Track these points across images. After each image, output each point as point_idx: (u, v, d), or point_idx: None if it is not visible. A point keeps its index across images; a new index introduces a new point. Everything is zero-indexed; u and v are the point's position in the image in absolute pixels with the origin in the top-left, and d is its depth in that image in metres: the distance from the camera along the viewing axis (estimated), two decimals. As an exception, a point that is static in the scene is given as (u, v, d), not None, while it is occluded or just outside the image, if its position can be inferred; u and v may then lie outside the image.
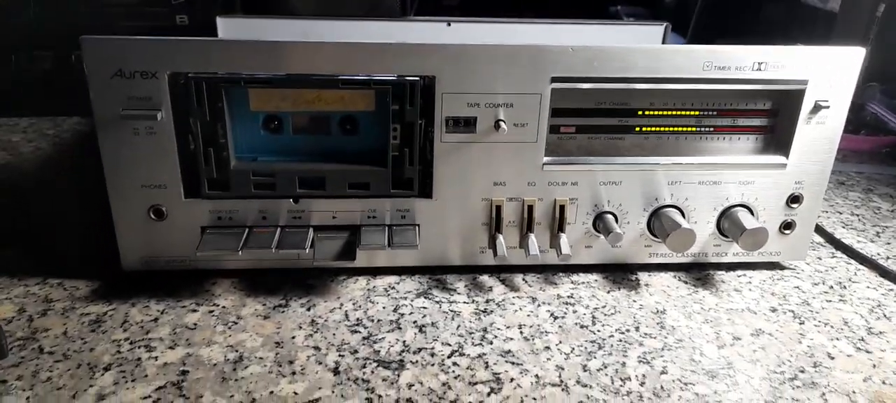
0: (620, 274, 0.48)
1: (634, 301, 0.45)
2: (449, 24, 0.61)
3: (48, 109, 0.75)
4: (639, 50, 0.41)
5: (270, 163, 0.43)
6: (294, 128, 0.43)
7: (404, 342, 0.39)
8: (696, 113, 0.45)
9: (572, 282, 0.47)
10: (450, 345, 0.39)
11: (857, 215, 0.63)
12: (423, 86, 0.41)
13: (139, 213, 0.42)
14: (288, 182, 0.42)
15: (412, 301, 0.44)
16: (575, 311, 0.43)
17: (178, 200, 0.42)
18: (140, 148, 0.41)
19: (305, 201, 0.43)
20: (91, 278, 0.44)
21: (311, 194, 0.43)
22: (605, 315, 0.43)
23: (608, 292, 0.46)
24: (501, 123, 0.42)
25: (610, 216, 0.45)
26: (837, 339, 0.42)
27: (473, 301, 0.44)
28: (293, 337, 0.39)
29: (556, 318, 0.42)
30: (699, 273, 0.49)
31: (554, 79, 0.41)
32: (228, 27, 0.58)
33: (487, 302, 0.44)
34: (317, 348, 0.38)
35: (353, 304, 0.43)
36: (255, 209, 0.43)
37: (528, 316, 0.42)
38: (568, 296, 0.45)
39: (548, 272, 0.48)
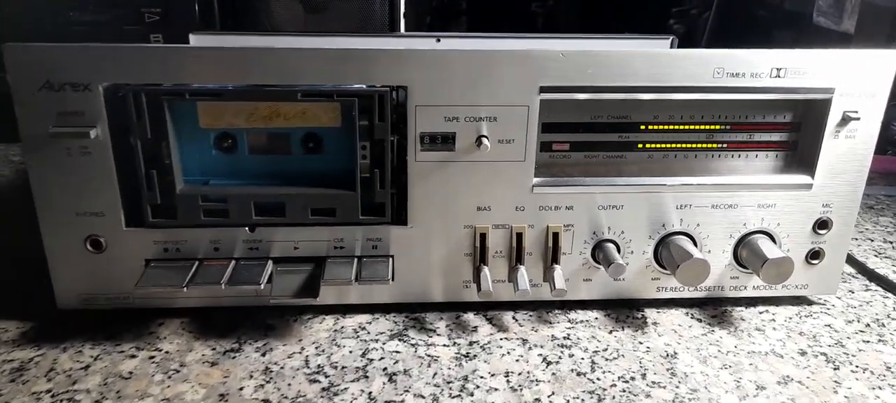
0: (624, 311, 0.42)
1: (640, 343, 0.39)
2: (438, 40, 0.56)
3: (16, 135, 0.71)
4: (640, 54, 0.36)
5: (223, 186, 0.38)
6: (250, 147, 0.38)
7: (370, 394, 0.34)
8: (708, 127, 0.40)
9: (569, 321, 0.41)
10: (423, 398, 0.33)
11: (891, 242, 0.57)
12: (394, 99, 0.36)
13: (75, 245, 0.37)
14: (243, 208, 0.37)
15: (384, 344, 0.38)
16: (571, 355, 0.37)
17: (119, 230, 0.37)
18: (73, 170, 0.36)
19: (263, 230, 0.38)
20: (24, 318, 0.40)
21: (270, 222, 0.38)
22: (607, 360, 0.37)
23: (610, 332, 0.40)
24: (484, 139, 0.37)
25: (611, 245, 0.40)
26: (880, 387, 0.36)
27: (455, 343, 0.38)
28: (241, 389, 0.34)
29: (549, 364, 0.37)
30: (715, 309, 0.43)
31: (543, 89, 0.36)
32: (203, 44, 0.54)
33: (471, 344, 0.38)
34: (266, 402, 0.33)
35: (316, 348, 0.38)
36: (207, 239, 0.38)
37: (517, 360, 0.37)
38: (564, 337, 0.39)
39: (542, 309, 0.42)
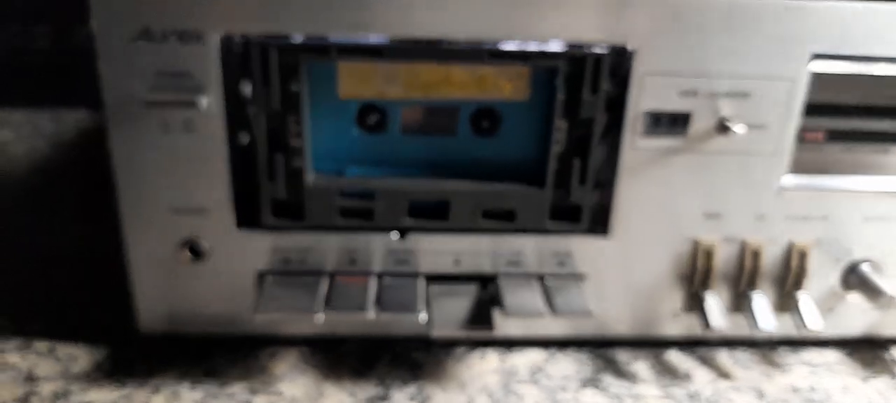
0: (866, 351, 0.32)
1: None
2: None
3: (46, 99, 0.61)
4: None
5: (366, 177, 0.28)
6: (404, 125, 0.28)
7: (589, 474, 0.25)
8: None
9: (806, 364, 0.31)
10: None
11: None
12: (613, 62, 0.27)
13: (166, 250, 0.28)
14: (393, 207, 0.28)
15: (576, 393, 0.29)
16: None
17: (227, 232, 0.28)
18: (172, 152, 0.26)
19: (415, 236, 0.29)
20: (96, 343, 0.30)
21: (426, 227, 0.28)
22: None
23: (863, 380, 0.30)
24: (728, 124, 0.27)
25: (869, 267, 0.31)
26: None
27: (669, 395, 0.29)
28: (408, 461, 0.25)
29: (808, 430, 0.27)
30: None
31: (817, 56, 0.27)
32: None
33: (691, 397, 0.29)
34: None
35: (489, 398, 0.29)
36: (341, 247, 0.29)
37: (763, 424, 0.28)
38: (809, 388, 0.29)
39: (761, 347, 0.32)
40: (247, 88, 0.26)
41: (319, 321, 0.27)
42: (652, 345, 0.32)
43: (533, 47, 0.25)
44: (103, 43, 0.25)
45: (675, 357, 0.31)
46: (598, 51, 0.26)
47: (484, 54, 0.25)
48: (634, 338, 0.31)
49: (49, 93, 0.60)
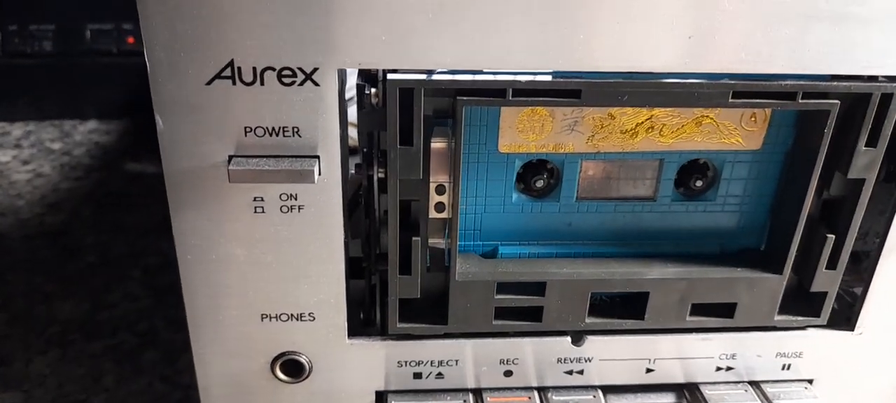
0: None
1: None
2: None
3: (50, 110, 0.52)
4: None
5: (530, 262, 0.20)
6: (582, 187, 0.21)
7: None
8: None
9: None
10: None
11: None
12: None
13: (253, 368, 0.20)
14: (570, 302, 0.20)
15: None
16: None
17: (335, 343, 0.20)
18: (265, 241, 0.18)
19: (594, 339, 0.22)
20: None
21: (611, 328, 0.21)
22: None
23: None
24: None
25: None
26: None
27: None
28: None
29: None
30: None
31: None
32: None
33: None
34: None
35: None
36: (491, 355, 0.21)
37: None
38: None
39: None
40: (376, 143, 0.18)
41: (474, 469, 0.20)
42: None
43: (795, 81, 0.17)
44: (162, 82, 0.17)
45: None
46: (889, 85, 0.18)
47: (728, 93, 0.18)
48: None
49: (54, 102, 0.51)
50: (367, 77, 0.18)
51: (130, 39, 0.50)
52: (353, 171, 0.19)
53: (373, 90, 0.18)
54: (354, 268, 0.20)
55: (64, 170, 0.45)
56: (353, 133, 0.19)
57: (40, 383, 0.27)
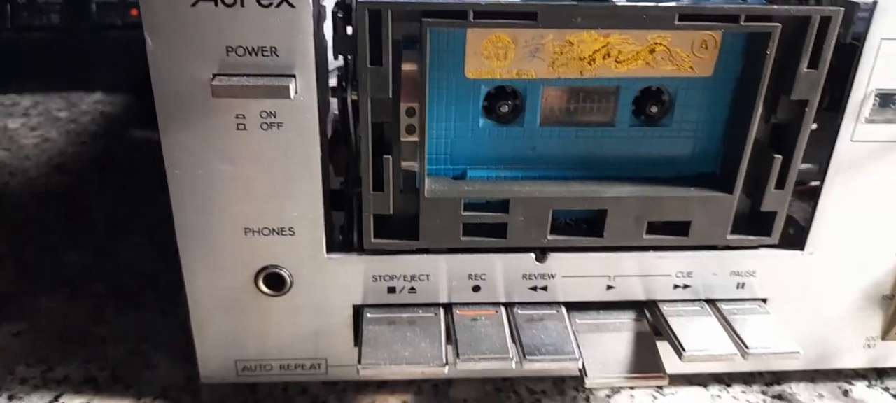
0: None
1: None
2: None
3: (58, 82, 0.54)
4: None
5: (496, 182, 0.22)
6: (545, 113, 0.22)
7: None
8: None
9: None
10: None
11: None
12: (843, 24, 0.20)
13: (237, 283, 0.22)
14: (533, 221, 0.21)
15: (764, 450, 0.23)
16: None
17: (315, 257, 0.21)
18: (246, 156, 0.20)
19: (557, 257, 0.23)
20: (141, 395, 0.25)
21: (572, 245, 0.22)
22: None
23: None
24: (982, 104, 0.21)
25: None
26: None
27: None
28: None
29: None
30: None
31: None
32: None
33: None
34: None
35: (658, 462, 0.23)
36: (461, 272, 0.23)
37: None
38: None
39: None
40: (350, 68, 0.19)
41: (443, 372, 0.21)
42: (824, 377, 0.26)
43: (737, 6, 0.19)
44: (151, 4, 0.18)
45: (864, 391, 0.25)
46: (827, 9, 0.19)
47: (675, 16, 0.19)
48: (808, 371, 0.26)
49: (61, 74, 0.53)
50: (342, 4, 0.20)
51: (134, 12, 0.52)
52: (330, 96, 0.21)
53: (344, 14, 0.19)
54: (336, 201, 0.22)
55: (70, 135, 0.47)
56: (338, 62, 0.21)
57: (46, 316, 0.28)
